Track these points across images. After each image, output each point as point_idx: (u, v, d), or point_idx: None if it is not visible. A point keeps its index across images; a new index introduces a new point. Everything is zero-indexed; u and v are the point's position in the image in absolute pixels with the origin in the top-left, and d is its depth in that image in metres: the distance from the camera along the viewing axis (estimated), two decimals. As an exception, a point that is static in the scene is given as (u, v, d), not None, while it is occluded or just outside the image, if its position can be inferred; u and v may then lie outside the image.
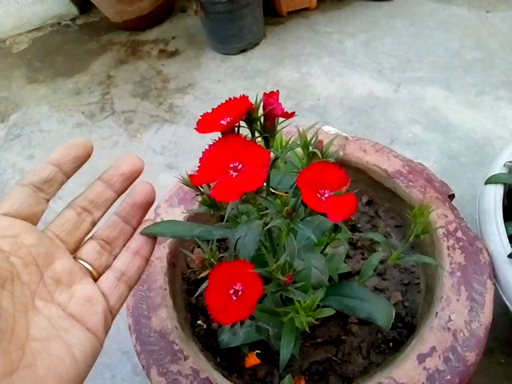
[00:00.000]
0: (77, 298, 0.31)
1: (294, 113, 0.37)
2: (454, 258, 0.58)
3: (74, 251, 0.33)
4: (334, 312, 0.45)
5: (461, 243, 0.60)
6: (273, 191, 0.44)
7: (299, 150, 0.48)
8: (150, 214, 0.69)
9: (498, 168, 0.68)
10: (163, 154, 1.22)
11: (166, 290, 0.61)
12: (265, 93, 0.37)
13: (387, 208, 0.73)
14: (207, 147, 0.34)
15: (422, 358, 0.51)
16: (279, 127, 0.39)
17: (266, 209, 0.39)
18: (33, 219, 0.31)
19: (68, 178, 0.33)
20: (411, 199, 0.65)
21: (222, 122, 0.34)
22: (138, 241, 0.35)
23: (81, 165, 0.33)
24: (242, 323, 0.38)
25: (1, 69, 1.68)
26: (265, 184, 0.40)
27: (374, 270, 0.58)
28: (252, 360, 0.60)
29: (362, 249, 0.70)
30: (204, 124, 0.35)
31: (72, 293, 0.31)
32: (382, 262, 0.66)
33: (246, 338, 0.58)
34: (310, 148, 0.40)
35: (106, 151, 1.25)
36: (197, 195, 0.45)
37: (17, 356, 0.26)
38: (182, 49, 1.57)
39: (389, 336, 0.61)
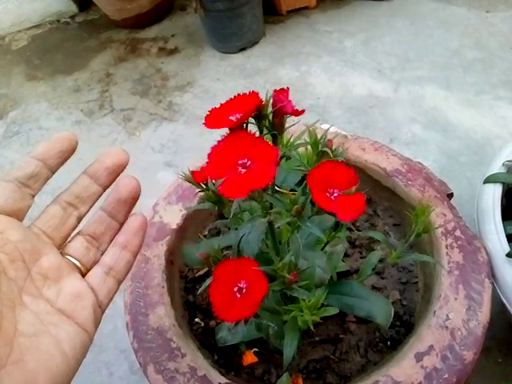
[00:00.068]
0: (65, 293, 0.31)
1: (304, 110, 0.36)
2: (452, 256, 0.58)
3: (61, 247, 0.33)
4: (338, 311, 0.45)
5: (459, 242, 0.60)
6: (277, 189, 0.44)
7: (300, 148, 0.48)
8: (149, 212, 0.69)
9: (496, 167, 0.68)
10: (162, 152, 1.22)
11: (163, 287, 0.61)
12: (275, 90, 0.36)
13: (386, 207, 0.73)
14: (209, 144, 0.33)
15: (419, 357, 0.51)
16: (288, 126, 0.38)
17: (271, 207, 0.39)
18: (18, 215, 0.31)
19: (53, 172, 0.33)
20: (410, 198, 0.65)
21: (231, 117, 0.34)
22: (126, 235, 0.35)
23: (66, 159, 0.33)
24: (246, 321, 0.38)
25: (0, 66, 1.67)
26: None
27: (373, 269, 0.58)
28: (249, 358, 0.60)
29: (360, 247, 0.70)
30: (212, 119, 0.34)
31: (60, 288, 0.31)
32: (380, 260, 0.66)
33: (244, 336, 0.58)
34: (320, 147, 0.40)
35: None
36: (199, 192, 0.45)
37: (4, 352, 0.26)
38: (181, 47, 1.57)
39: (386, 335, 0.61)
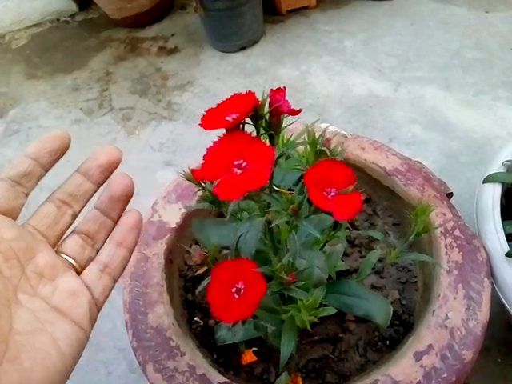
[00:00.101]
0: (60, 291, 0.30)
1: (300, 110, 0.36)
2: (451, 256, 0.58)
3: (56, 245, 0.33)
4: (336, 311, 0.45)
5: (458, 242, 0.60)
6: (275, 188, 0.44)
7: (299, 147, 0.48)
8: (148, 211, 0.69)
9: (496, 167, 0.68)
10: (161, 151, 1.22)
11: (162, 286, 0.61)
12: (271, 89, 0.36)
13: (385, 206, 0.73)
14: (209, 144, 0.33)
15: (418, 356, 0.51)
16: (285, 125, 0.38)
17: (269, 206, 0.39)
18: (12, 214, 0.31)
19: (46, 171, 0.33)
20: (409, 197, 0.65)
21: (227, 118, 0.33)
22: (121, 232, 0.34)
23: (59, 157, 0.33)
24: (243, 322, 0.38)
25: (0, 64, 1.67)
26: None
27: (372, 268, 0.58)
28: (249, 357, 0.60)
29: (359, 247, 0.70)
30: (209, 120, 0.34)
31: (55, 286, 0.31)
32: (379, 260, 0.66)
33: (244, 335, 0.58)
34: (318, 146, 0.40)
35: (104, 148, 1.25)
36: (199, 190, 0.44)
37: (0, 349, 0.26)
38: (181, 46, 1.57)
39: (386, 334, 0.61)
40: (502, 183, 0.67)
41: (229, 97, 0.35)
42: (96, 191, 0.34)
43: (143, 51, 1.58)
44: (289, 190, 0.48)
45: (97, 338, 0.85)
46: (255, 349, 0.61)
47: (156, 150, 1.23)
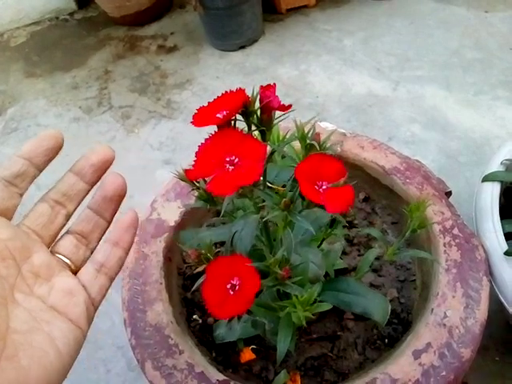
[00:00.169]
0: (57, 290, 0.31)
1: (290, 105, 0.36)
2: (450, 254, 0.59)
3: (51, 245, 0.33)
4: (332, 307, 0.45)
5: (457, 240, 0.60)
6: (269, 185, 0.44)
7: (297, 146, 0.48)
8: (147, 209, 0.69)
9: (495, 166, 0.68)
10: (160, 150, 1.22)
11: (161, 284, 0.61)
12: (261, 86, 0.36)
13: (384, 205, 0.73)
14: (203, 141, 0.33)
15: (417, 354, 0.51)
16: (276, 121, 0.38)
17: (263, 202, 0.39)
18: (6, 214, 0.31)
19: (40, 171, 0.33)
20: (408, 196, 0.65)
21: (218, 115, 0.34)
22: (117, 231, 0.34)
23: (53, 157, 0.33)
24: (239, 318, 0.38)
25: (-2, 62, 1.67)
26: (261, 178, 0.40)
27: (370, 267, 0.58)
28: (247, 355, 0.60)
29: (358, 245, 0.70)
30: (200, 117, 0.35)
31: (51, 285, 0.31)
32: (378, 258, 0.67)
33: (242, 333, 0.58)
34: (308, 140, 0.40)
35: (103, 146, 1.25)
36: (192, 190, 0.45)
37: None
38: (180, 45, 1.57)
39: (384, 332, 0.61)
40: (501, 182, 0.67)
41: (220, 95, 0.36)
42: (89, 191, 0.35)
43: (142, 49, 1.58)
44: (283, 186, 0.48)
45: (95, 335, 0.85)
46: (254, 347, 0.61)
47: (155, 148, 1.23)
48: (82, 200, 0.35)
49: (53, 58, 1.63)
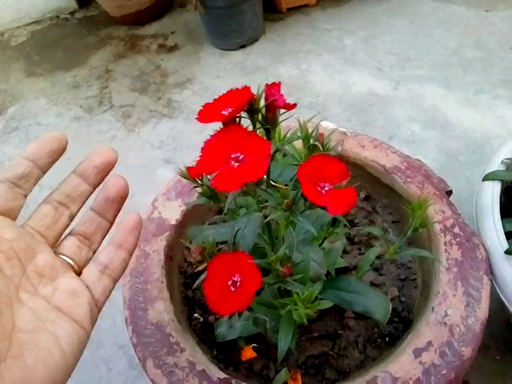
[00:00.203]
0: (61, 290, 0.31)
1: (295, 104, 0.36)
2: (450, 253, 0.59)
3: (54, 246, 0.33)
4: (332, 304, 0.45)
5: (458, 239, 0.60)
6: (273, 184, 0.44)
7: (297, 144, 0.48)
8: (148, 208, 0.69)
9: (495, 165, 0.68)
10: (161, 149, 1.22)
11: (162, 282, 0.61)
12: (267, 84, 0.36)
13: (385, 204, 0.73)
14: (208, 138, 0.34)
15: (418, 353, 0.51)
16: (281, 119, 0.39)
17: (266, 201, 0.39)
18: (11, 215, 0.31)
19: (44, 172, 0.33)
20: (409, 195, 0.65)
21: (223, 112, 0.34)
22: (121, 234, 0.35)
23: (56, 159, 0.33)
24: (240, 314, 0.39)
25: (-1, 61, 1.67)
26: (265, 176, 0.40)
27: (371, 265, 0.58)
28: (248, 353, 0.60)
29: (359, 244, 0.70)
30: (205, 114, 0.35)
31: (56, 286, 0.31)
32: (378, 257, 0.67)
33: (243, 331, 0.58)
34: (311, 140, 0.40)
35: (104, 145, 1.25)
36: (195, 187, 0.45)
37: (4, 346, 0.26)
38: (181, 44, 1.57)
39: (385, 331, 0.61)
40: (502, 181, 0.67)
41: (225, 92, 0.36)
42: (92, 192, 0.35)
43: (143, 49, 1.58)
44: (286, 185, 0.48)
45: (97, 335, 0.85)
46: (255, 345, 0.61)
47: (156, 147, 1.23)
48: (85, 201, 0.35)
49: (53, 57, 1.63)
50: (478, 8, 1.46)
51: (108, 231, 0.35)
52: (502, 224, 0.61)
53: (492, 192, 0.65)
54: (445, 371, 0.50)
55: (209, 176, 0.42)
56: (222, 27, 1.42)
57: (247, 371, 0.60)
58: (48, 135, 0.33)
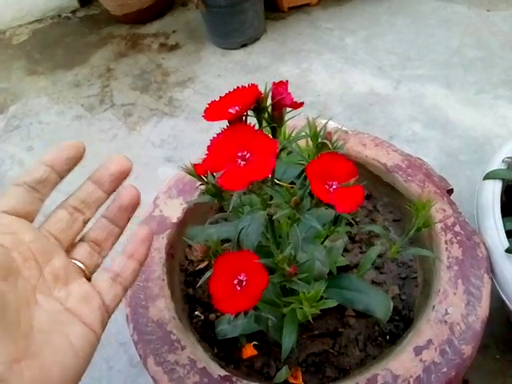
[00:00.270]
0: (74, 294, 0.31)
1: (303, 103, 0.37)
2: (451, 252, 0.59)
3: (68, 250, 0.34)
4: (337, 303, 0.45)
5: (458, 237, 0.60)
6: (277, 182, 0.44)
7: (301, 143, 0.48)
8: (149, 206, 0.69)
9: (496, 164, 0.69)
10: (162, 148, 1.22)
11: (163, 280, 0.62)
12: (274, 82, 0.36)
13: (386, 202, 0.73)
14: (212, 138, 0.34)
15: (418, 351, 0.52)
16: (288, 118, 0.39)
17: (271, 199, 0.39)
18: (28, 218, 0.32)
19: (62, 178, 0.33)
20: (410, 193, 0.65)
21: (230, 110, 0.34)
22: (132, 244, 0.36)
23: (74, 166, 0.34)
24: (245, 313, 0.39)
25: (0, 60, 1.67)
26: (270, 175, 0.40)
27: (372, 264, 0.58)
28: (249, 351, 0.60)
29: (360, 242, 0.70)
30: (212, 112, 0.35)
31: (69, 290, 0.31)
32: (379, 255, 0.67)
33: (244, 329, 0.58)
34: (320, 139, 0.40)
35: (105, 144, 1.25)
36: (200, 185, 0.45)
37: (24, 345, 0.26)
38: (182, 43, 1.57)
39: (385, 329, 0.61)
40: (503, 180, 0.67)
41: (232, 90, 0.36)
42: (106, 199, 0.36)
43: (144, 47, 1.59)
44: (290, 183, 0.48)
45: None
46: (256, 343, 0.61)
47: (157, 146, 1.23)
48: (99, 208, 0.36)
49: (55, 55, 1.64)
50: (480, 7, 1.46)
51: (118, 238, 0.36)
52: (503, 223, 0.62)
53: (493, 191, 0.65)
54: (445, 369, 0.50)
55: (214, 174, 0.42)
56: (223, 26, 1.42)
57: (248, 369, 0.60)
58: (66, 142, 0.34)
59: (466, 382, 0.72)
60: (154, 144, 1.24)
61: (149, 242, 0.36)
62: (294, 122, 0.59)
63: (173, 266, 0.67)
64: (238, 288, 0.36)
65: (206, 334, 0.63)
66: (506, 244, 0.59)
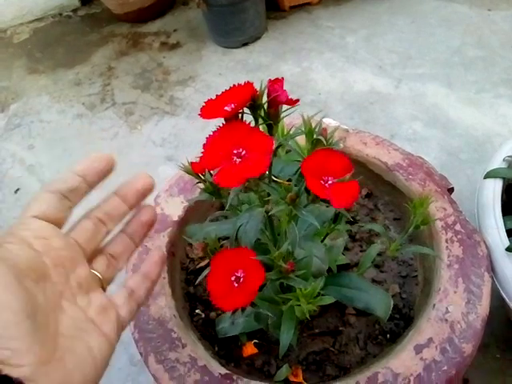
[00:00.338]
0: (94, 304, 0.32)
1: (298, 100, 0.37)
2: (452, 250, 0.59)
3: (89, 260, 0.35)
4: (334, 300, 0.45)
5: (459, 236, 0.60)
6: (275, 179, 0.44)
7: (301, 142, 0.48)
8: (150, 204, 0.69)
9: (497, 162, 0.69)
10: (163, 146, 1.22)
11: (164, 278, 0.62)
12: (269, 79, 0.37)
13: (386, 201, 0.73)
14: (208, 135, 0.34)
15: (419, 349, 0.52)
16: (283, 115, 0.39)
17: (268, 196, 0.39)
18: (57, 225, 0.33)
19: (91, 188, 0.35)
20: (411, 192, 0.65)
21: (226, 108, 0.34)
22: (147, 265, 0.38)
23: (103, 177, 0.35)
24: (243, 310, 0.39)
25: (1, 59, 1.67)
26: (267, 172, 0.40)
27: (372, 262, 0.58)
28: (250, 349, 0.60)
29: (360, 241, 0.71)
30: (208, 110, 0.35)
31: (90, 299, 0.32)
32: (380, 254, 0.67)
33: (245, 327, 0.58)
34: (315, 135, 0.40)
35: (106, 142, 1.25)
36: (198, 183, 0.45)
37: (51, 348, 0.27)
38: (183, 41, 1.57)
39: (386, 327, 0.61)
40: (503, 179, 0.67)
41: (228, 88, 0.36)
42: (128, 213, 0.37)
43: (145, 46, 1.59)
44: (288, 180, 0.48)
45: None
46: (256, 341, 0.61)
47: (158, 144, 1.23)
48: (121, 221, 0.37)
49: (56, 54, 1.64)
50: (481, 7, 1.46)
51: (133, 253, 0.38)
52: (504, 221, 0.62)
53: (493, 189, 0.65)
54: (446, 367, 0.50)
55: (211, 172, 0.42)
56: (224, 25, 1.42)
57: (248, 367, 0.60)
58: (97, 155, 0.35)
59: (466, 380, 0.72)
60: (155, 143, 1.24)
61: (162, 264, 0.38)
62: (292, 119, 0.59)
63: (174, 264, 0.67)
64: (236, 284, 0.36)
65: (206, 332, 0.63)
66: (507, 243, 0.59)
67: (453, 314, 0.54)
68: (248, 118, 0.37)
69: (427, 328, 0.53)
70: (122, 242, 0.37)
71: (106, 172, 0.35)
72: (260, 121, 0.38)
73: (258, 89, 0.36)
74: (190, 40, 1.57)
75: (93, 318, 0.32)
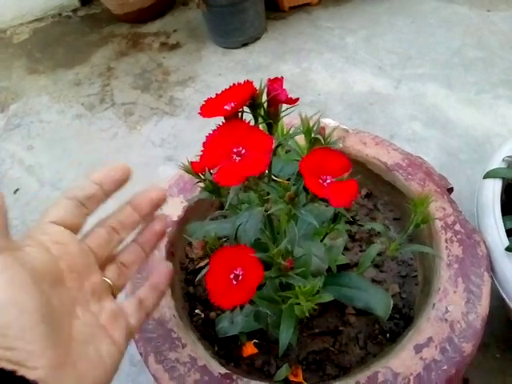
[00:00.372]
0: (106, 311, 0.33)
1: (298, 99, 0.37)
2: (451, 250, 0.59)
3: (101, 267, 0.35)
4: (333, 298, 0.45)
5: (459, 236, 0.60)
6: (274, 179, 0.44)
7: (300, 141, 0.48)
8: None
9: (496, 162, 0.69)
10: (162, 147, 1.22)
11: (164, 278, 0.61)
12: (269, 78, 0.37)
13: (386, 201, 0.73)
14: (207, 134, 0.34)
15: (418, 348, 0.52)
16: (283, 114, 0.39)
17: (268, 194, 0.39)
18: (73, 231, 0.33)
19: (107, 197, 0.35)
20: (410, 192, 0.65)
21: (225, 107, 0.34)
22: (156, 277, 0.39)
23: (120, 186, 0.36)
24: (241, 308, 0.39)
25: (1, 59, 1.67)
26: (267, 171, 0.41)
27: (372, 262, 0.58)
28: (249, 349, 0.60)
29: (360, 241, 0.71)
30: (208, 109, 0.35)
31: (102, 306, 0.33)
32: (379, 254, 0.67)
33: (244, 327, 0.58)
34: (313, 134, 0.40)
35: (105, 143, 1.25)
36: (198, 182, 0.45)
37: (65, 352, 0.27)
38: (183, 42, 1.57)
39: (386, 327, 0.61)
40: (503, 179, 0.67)
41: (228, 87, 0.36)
42: (140, 223, 0.38)
43: (145, 47, 1.59)
44: (287, 180, 0.48)
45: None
46: (256, 341, 0.61)
47: (157, 145, 1.23)
48: (134, 230, 0.37)
49: (55, 54, 1.64)
50: (480, 8, 1.47)
51: (143, 263, 0.38)
52: (503, 221, 0.62)
53: (493, 189, 0.65)
54: (445, 367, 0.50)
55: (211, 170, 0.42)
56: (224, 25, 1.43)
57: (248, 367, 0.60)
58: (114, 165, 0.36)
59: (466, 380, 0.72)
60: (155, 143, 1.24)
61: (170, 277, 0.39)
62: (291, 119, 0.59)
63: (173, 264, 0.66)
64: (234, 282, 0.36)
65: (206, 332, 0.63)
66: (506, 242, 0.59)
67: (452, 313, 0.54)
68: (248, 116, 0.37)
69: (427, 328, 0.53)
70: (134, 252, 0.37)
71: (122, 181, 0.35)
72: (260, 120, 0.38)
73: (257, 88, 0.36)
74: (190, 40, 1.57)
75: (104, 324, 0.32)
